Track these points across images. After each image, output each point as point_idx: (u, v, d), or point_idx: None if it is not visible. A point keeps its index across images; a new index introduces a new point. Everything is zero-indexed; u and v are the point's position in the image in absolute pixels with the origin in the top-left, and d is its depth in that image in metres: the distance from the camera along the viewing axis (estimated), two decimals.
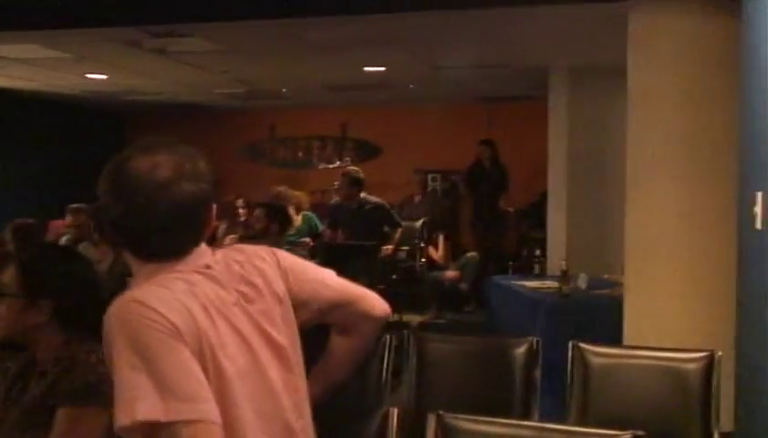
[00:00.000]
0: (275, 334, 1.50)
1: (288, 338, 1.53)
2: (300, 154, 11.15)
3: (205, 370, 1.33)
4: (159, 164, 1.41)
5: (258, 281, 1.51)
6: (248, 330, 1.45)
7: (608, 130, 6.64)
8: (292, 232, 6.52)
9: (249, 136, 10.99)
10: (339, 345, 1.74)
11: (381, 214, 6.66)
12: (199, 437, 1.26)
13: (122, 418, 1.25)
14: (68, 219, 6.31)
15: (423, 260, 7.94)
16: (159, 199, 1.39)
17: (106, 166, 1.46)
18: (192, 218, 1.45)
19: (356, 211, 6.61)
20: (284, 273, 1.57)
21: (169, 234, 1.42)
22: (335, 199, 6.98)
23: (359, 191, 6.62)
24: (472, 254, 8.18)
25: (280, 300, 1.54)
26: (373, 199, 6.70)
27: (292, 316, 1.55)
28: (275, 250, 1.62)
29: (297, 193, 7.30)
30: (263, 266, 1.55)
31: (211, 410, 1.29)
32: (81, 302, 1.87)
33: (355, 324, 1.71)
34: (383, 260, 6.46)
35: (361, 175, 6.66)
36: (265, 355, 1.47)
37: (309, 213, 7.08)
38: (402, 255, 7.42)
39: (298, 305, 1.58)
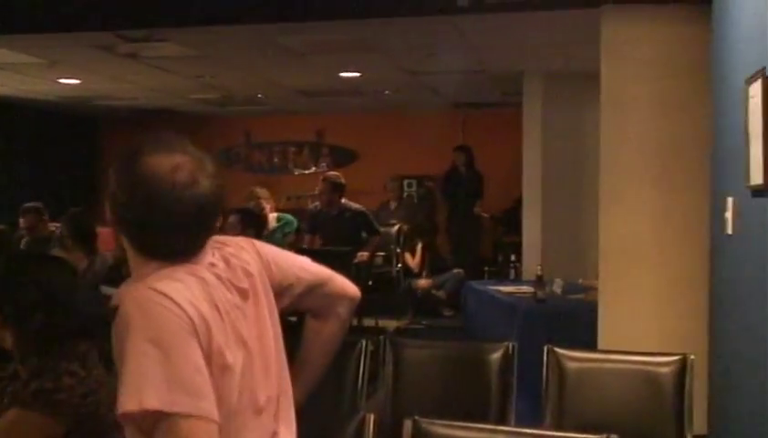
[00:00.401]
0: (266, 330, 1.52)
1: (274, 329, 1.56)
2: (276, 160, 11.11)
3: (210, 366, 1.35)
4: (180, 165, 1.41)
5: (252, 270, 1.54)
6: (247, 333, 1.47)
7: (583, 136, 6.68)
8: (265, 234, 6.48)
9: (224, 141, 10.93)
10: (318, 330, 1.77)
11: (362, 221, 6.63)
12: (197, 433, 1.28)
13: (129, 403, 1.26)
14: (21, 221, 6.19)
15: (399, 266, 7.94)
16: (182, 200, 1.39)
17: (117, 163, 1.45)
18: (210, 219, 1.46)
19: (336, 217, 6.57)
20: (265, 262, 1.60)
21: (187, 235, 1.43)
22: (314, 204, 6.93)
23: (341, 196, 6.58)
24: (457, 270, 8.15)
25: (265, 291, 1.56)
26: (354, 205, 6.66)
27: (274, 305, 1.58)
28: (253, 240, 1.65)
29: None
30: (247, 258, 1.57)
31: (213, 409, 1.31)
32: (45, 323, 1.86)
33: (331, 305, 1.75)
34: (359, 265, 6.44)
35: (342, 181, 6.62)
36: (260, 357, 1.49)
37: (286, 216, 6.94)
38: (378, 260, 7.41)
39: (281, 291, 1.61)
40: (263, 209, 6.57)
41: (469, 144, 9.37)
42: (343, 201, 6.62)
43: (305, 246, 6.47)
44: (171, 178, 1.39)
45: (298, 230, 6.80)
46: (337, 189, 6.52)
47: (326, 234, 6.60)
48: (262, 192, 6.76)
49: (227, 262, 1.52)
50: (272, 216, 6.69)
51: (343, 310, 1.76)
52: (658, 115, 4.16)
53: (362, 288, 1.85)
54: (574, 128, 6.88)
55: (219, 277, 1.46)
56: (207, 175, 1.43)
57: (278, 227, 6.69)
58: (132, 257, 1.46)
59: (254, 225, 5.72)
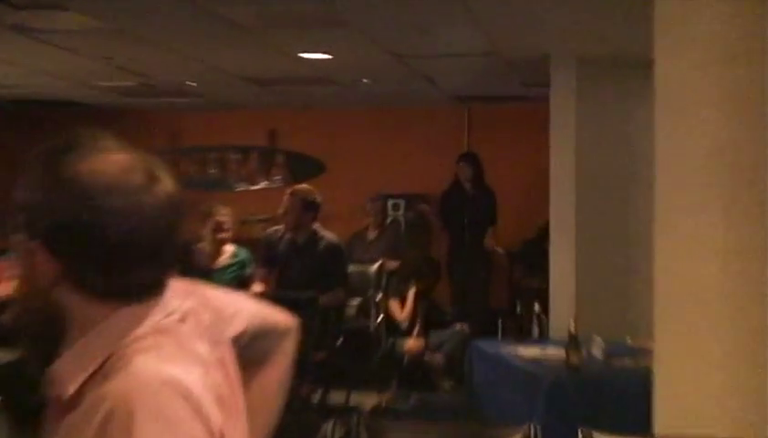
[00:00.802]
0: (240, 410, 1.57)
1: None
2: (212, 171, 11.12)
3: None
4: (129, 164, 1.46)
5: (220, 336, 1.61)
6: (232, 422, 1.49)
7: (631, 142, 6.70)
8: (216, 269, 6.47)
9: (143, 144, 10.80)
10: (264, 376, 1.85)
11: (334, 259, 6.64)
12: None
13: None
14: None
15: (381, 318, 7.89)
16: (159, 204, 1.44)
17: (39, 182, 1.44)
18: (179, 232, 1.50)
19: (303, 246, 6.59)
20: (212, 310, 1.64)
21: (165, 254, 1.48)
22: (275, 228, 6.92)
23: (313, 218, 6.61)
24: (460, 325, 8.11)
25: (230, 355, 1.61)
26: (329, 235, 6.69)
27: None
28: (196, 286, 1.69)
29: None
30: (204, 310, 1.62)
31: None
32: None
33: (275, 345, 1.88)
34: (326, 315, 6.40)
35: (317, 198, 6.67)
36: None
37: (243, 251, 6.91)
38: (351, 311, 7.38)
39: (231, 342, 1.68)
40: (224, 232, 6.61)
41: (477, 152, 9.38)
42: (315, 226, 6.61)
43: (256, 290, 6.48)
44: (130, 181, 1.43)
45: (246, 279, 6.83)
46: (309, 208, 6.57)
47: (287, 270, 6.60)
48: (225, 210, 6.76)
49: (196, 315, 1.54)
50: (228, 249, 6.70)
51: (289, 345, 1.91)
52: (732, 117, 4.17)
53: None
54: (618, 131, 6.90)
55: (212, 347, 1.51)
56: (164, 171, 1.50)
57: (232, 265, 6.68)
58: (77, 303, 1.45)
59: (178, 261, 5.68)
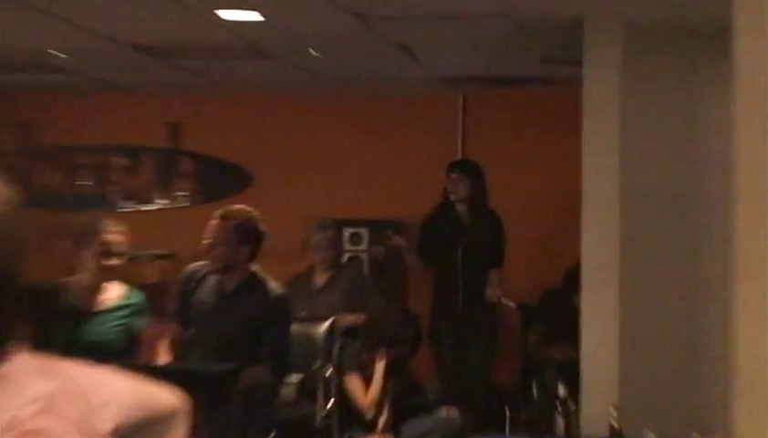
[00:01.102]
0: None
1: None
2: (84, 182, 11.12)
3: None
4: None
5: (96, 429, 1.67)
6: None
7: (699, 143, 6.73)
8: (108, 306, 6.55)
9: None
10: None
11: (276, 318, 6.67)
12: None
13: None
14: None
15: (332, 403, 7.86)
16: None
17: None
18: (23, 261, 1.60)
19: (233, 295, 6.66)
20: (79, 397, 1.68)
21: None
22: (198, 264, 6.96)
23: (252, 255, 6.66)
24: (448, 413, 8.09)
25: None
26: (273, 283, 6.76)
27: None
28: (55, 361, 1.73)
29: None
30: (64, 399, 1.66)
31: None
32: None
33: (162, 433, 1.96)
34: (250, 399, 6.36)
35: (260, 225, 6.73)
36: None
37: (136, 293, 6.92)
38: (288, 390, 7.33)
39: None
40: (114, 257, 6.62)
41: (476, 159, 9.39)
42: (253, 268, 6.67)
43: (161, 361, 6.54)
44: None
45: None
46: (246, 240, 6.63)
47: (206, 329, 6.66)
48: (116, 227, 6.80)
49: (65, 413, 1.57)
50: (116, 287, 6.77)
51: (182, 430, 2.00)
52: None
53: None
54: (681, 128, 6.97)
55: None
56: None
57: (121, 308, 6.74)
58: None
59: (40, 303, 5.63)
